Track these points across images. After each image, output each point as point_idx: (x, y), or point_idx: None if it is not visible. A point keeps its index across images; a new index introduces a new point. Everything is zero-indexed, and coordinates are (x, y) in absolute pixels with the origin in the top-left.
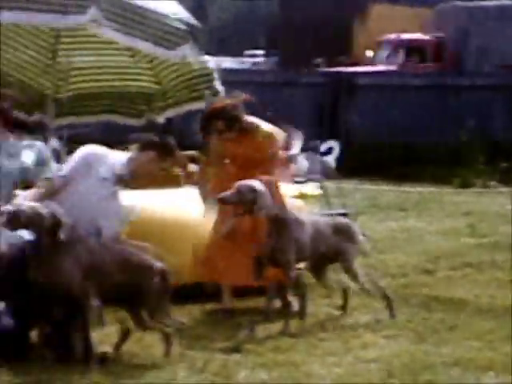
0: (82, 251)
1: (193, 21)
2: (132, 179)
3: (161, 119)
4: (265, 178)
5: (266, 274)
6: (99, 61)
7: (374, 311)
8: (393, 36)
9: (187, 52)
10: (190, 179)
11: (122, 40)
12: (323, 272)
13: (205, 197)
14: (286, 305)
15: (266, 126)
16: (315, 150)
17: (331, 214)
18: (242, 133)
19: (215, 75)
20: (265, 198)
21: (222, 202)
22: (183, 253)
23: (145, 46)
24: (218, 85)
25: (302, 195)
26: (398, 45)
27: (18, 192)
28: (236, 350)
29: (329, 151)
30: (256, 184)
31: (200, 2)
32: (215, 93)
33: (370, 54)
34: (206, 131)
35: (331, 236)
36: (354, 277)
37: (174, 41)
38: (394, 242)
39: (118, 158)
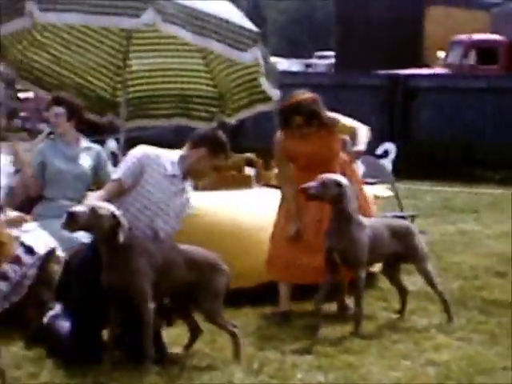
0: (141, 253)
1: (251, 25)
2: (185, 177)
3: (232, 121)
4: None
5: (338, 272)
6: (170, 63)
7: (432, 314)
8: (464, 37)
9: (258, 54)
10: (246, 182)
11: (196, 41)
12: (396, 274)
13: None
14: (343, 307)
15: (349, 121)
16: (371, 153)
17: (395, 216)
18: (320, 129)
19: (275, 77)
20: (350, 193)
21: (305, 192)
22: (250, 254)
23: (219, 48)
24: (274, 88)
25: (374, 197)
26: (469, 46)
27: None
28: (307, 351)
29: (385, 154)
30: (341, 178)
31: (257, 5)
32: (271, 97)
33: (441, 55)
34: (284, 126)
35: (390, 239)
36: (427, 278)
37: (246, 43)
38: (465, 244)
39: (170, 157)
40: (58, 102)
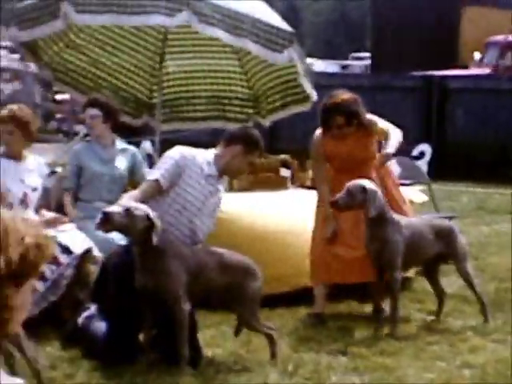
0: (174, 255)
1: (287, 26)
2: (221, 176)
3: (267, 123)
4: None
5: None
6: (206, 64)
7: (467, 316)
8: (500, 37)
9: (293, 55)
10: (282, 184)
11: (232, 41)
12: (436, 276)
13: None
14: (379, 309)
15: (383, 124)
16: (407, 154)
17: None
18: (359, 129)
19: (310, 79)
20: (376, 197)
21: (334, 205)
22: (285, 258)
23: (254, 48)
24: (310, 89)
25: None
26: (505, 46)
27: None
28: (343, 352)
29: (421, 155)
30: (366, 183)
31: (292, 6)
32: (307, 97)
33: (477, 55)
34: (325, 126)
35: (433, 239)
36: (467, 279)
37: (281, 43)
38: (501, 245)
39: (205, 156)
40: (93, 103)
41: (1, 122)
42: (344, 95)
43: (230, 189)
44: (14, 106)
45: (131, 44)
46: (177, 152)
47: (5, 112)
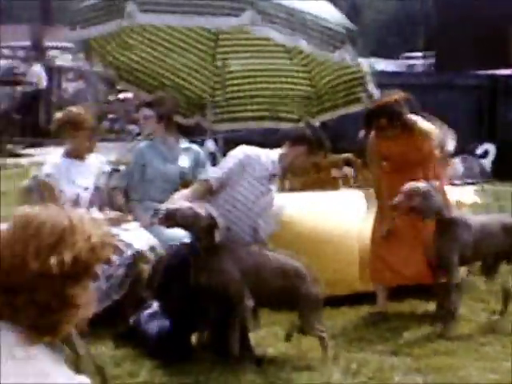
0: (237, 253)
1: (349, 24)
2: (284, 176)
3: (317, 122)
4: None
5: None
6: (258, 64)
7: None
8: None
9: (346, 55)
10: (346, 182)
11: (285, 41)
12: (494, 273)
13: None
14: (442, 308)
15: (425, 125)
16: (472, 153)
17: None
18: (402, 130)
19: (370, 78)
20: (433, 199)
21: (394, 209)
22: (342, 260)
23: (308, 48)
24: (373, 88)
25: (458, 204)
26: None
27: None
28: (394, 353)
29: (485, 154)
30: (422, 185)
31: (355, 4)
32: (370, 96)
33: None
34: (368, 128)
35: (502, 236)
36: None
37: (334, 43)
38: None
39: (270, 156)
40: (147, 103)
41: (66, 123)
42: (387, 97)
43: (282, 189)
44: (76, 108)
45: (182, 44)
46: (241, 151)
47: (66, 113)
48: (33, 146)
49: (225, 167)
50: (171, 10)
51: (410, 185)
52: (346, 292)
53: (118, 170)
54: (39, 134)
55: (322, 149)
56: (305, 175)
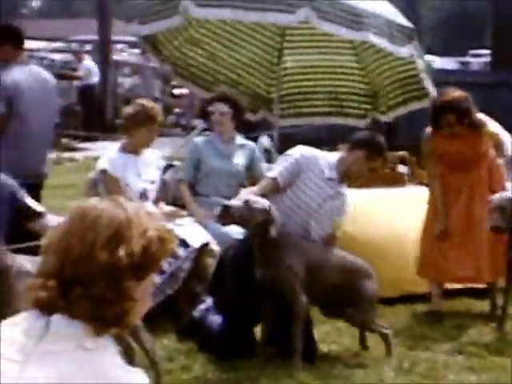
0: (301, 247)
1: (408, 22)
2: (342, 180)
3: (385, 119)
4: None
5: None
6: (323, 59)
7: None
8: None
9: (414, 51)
10: (400, 180)
11: (352, 35)
12: None
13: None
14: (496, 308)
15: (493, 126)
16: None
17: None
18: (469, 128)
19: (429, 75)
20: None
21: (496, 230)
22: (404, 259)
23: (377, 41)
24: (430, 85)
25: None
26: None
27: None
28: (448, 351)
29: None
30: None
31: (411, 2)
32: (427, 94)
33: None
34: (436, 124)
35: None
36: None
37: (402, 39)
38: None
39: (328, 159)
40: (223, 99)
41: (140, 116)
42: (455, 93)
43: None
44: (144, 100)
45: (250, 39)
46: (298, 152)
47: (138, 106)
48: (88, 140)
49: (281, 166)
50: (226, 4)
51: (497, 197)
52: (398, 294)
53: (172, 166)
54: (100, 129)
55: (380, 155)
56: (361, 180)
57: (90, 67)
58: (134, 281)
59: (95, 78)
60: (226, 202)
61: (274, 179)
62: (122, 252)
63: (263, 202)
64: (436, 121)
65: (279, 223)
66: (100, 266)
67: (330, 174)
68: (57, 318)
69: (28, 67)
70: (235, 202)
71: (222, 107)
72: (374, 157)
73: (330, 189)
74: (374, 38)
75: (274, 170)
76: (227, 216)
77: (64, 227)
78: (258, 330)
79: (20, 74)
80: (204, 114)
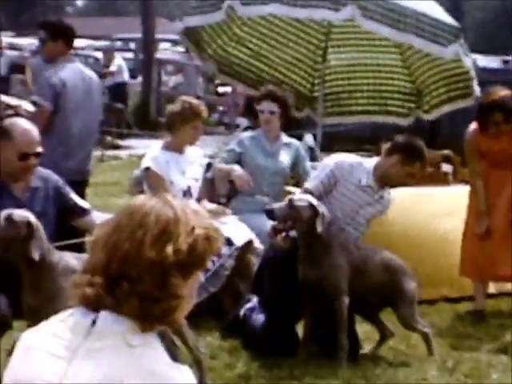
0: (340, 248)
1: (453, 21)
2: (381, 187)
3: (429, 118)
4: None
5: None
6: (367, 58)
7: None
8: None
9: (459, 49)
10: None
11: (395, 36)
12: None
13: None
14: None
15: None
16: None
17: None
18: None
19: (474, 74)
20: None
21: None
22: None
23: (419, 43)
24: (475, 84)
25: None
26: None
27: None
28: (491, 351)
29: None
30: None
31: (456, 1)
32: (471, 93)
33: None
34: (482, 123)
35: None
36: None
37: (447, 38)
38: None
39: (365, 165)
40: (272, 97)
41: (186, 113)
42: (502, 92)
43: None
44: (189, 99)
45: (294, 37)
46: (333, 162)
47: (184, 104)
48: (132, 137)
49: (317, 176)
50: (272, 1)
51: None
52: (437, 296)
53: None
54: (144, 127)
55: (418, 160)
56: (400, 185)
57: (121, 64)
58: (181, 278)
59: (126, 75)
60: (268, 207)
61: (310, 193)
62: (169, 249)
63: (307, 199)
64: (483, 119)
65: (326, 219)
66: (148, 263)
67: (366, 181)
68: (104, 315)
69: (73, 65)
70: (277, 204)
71: (271, 106)
72: (411, 161)
73: (368, 196)
74: (415, 39)
75: (311, 182)
76: (270, 214)
77: (112, 224)
78: (299, 328)
79: (66, 72)
80: (249, 112)
